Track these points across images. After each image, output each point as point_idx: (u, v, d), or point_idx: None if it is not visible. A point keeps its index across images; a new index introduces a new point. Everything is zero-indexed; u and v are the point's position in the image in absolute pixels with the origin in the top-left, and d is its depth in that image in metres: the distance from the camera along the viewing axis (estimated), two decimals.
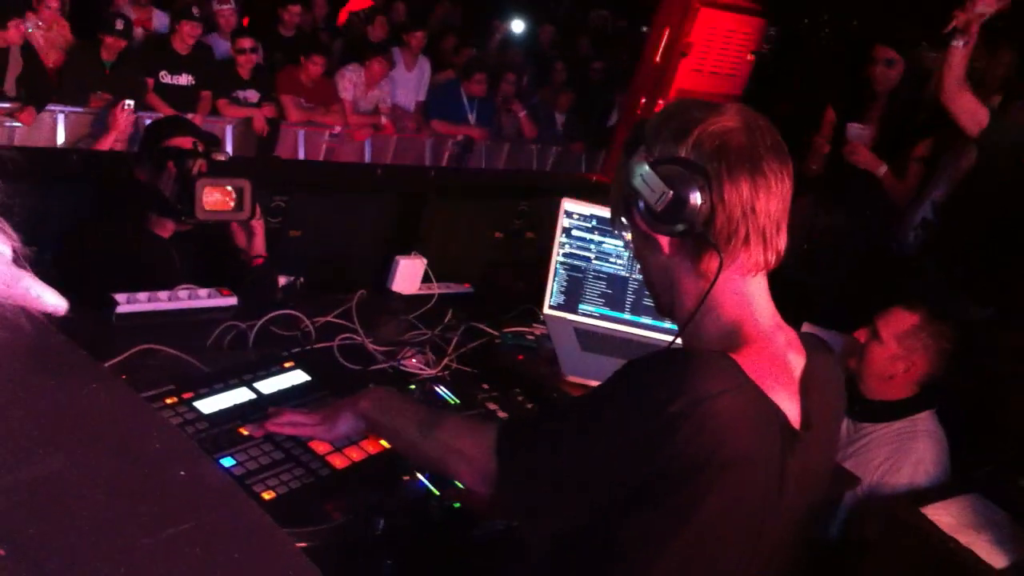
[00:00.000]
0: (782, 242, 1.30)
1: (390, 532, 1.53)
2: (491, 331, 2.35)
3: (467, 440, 1.40)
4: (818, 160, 4.44)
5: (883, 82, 4.21)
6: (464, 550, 1.70)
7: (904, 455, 2.57)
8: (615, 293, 2.52)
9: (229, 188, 2.27)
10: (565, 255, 2.50)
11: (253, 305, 2.19)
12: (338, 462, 1.63)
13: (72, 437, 0.76)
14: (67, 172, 2.49)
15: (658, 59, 4.57)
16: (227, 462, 1.55)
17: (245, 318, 2.10)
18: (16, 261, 0.82)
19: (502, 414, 2.00)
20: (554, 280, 2.49)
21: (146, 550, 0.65)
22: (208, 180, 2.24)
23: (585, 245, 2.51)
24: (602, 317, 2.51)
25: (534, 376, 2.19)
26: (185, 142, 2.38)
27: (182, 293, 2.18)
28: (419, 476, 1.67)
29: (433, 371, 2.12)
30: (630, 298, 2.52)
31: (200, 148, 2.35)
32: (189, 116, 5.17)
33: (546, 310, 2.48)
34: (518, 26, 9.38)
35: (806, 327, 2.62)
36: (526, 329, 2.42)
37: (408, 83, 7.52)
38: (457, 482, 1.52)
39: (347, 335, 2.15)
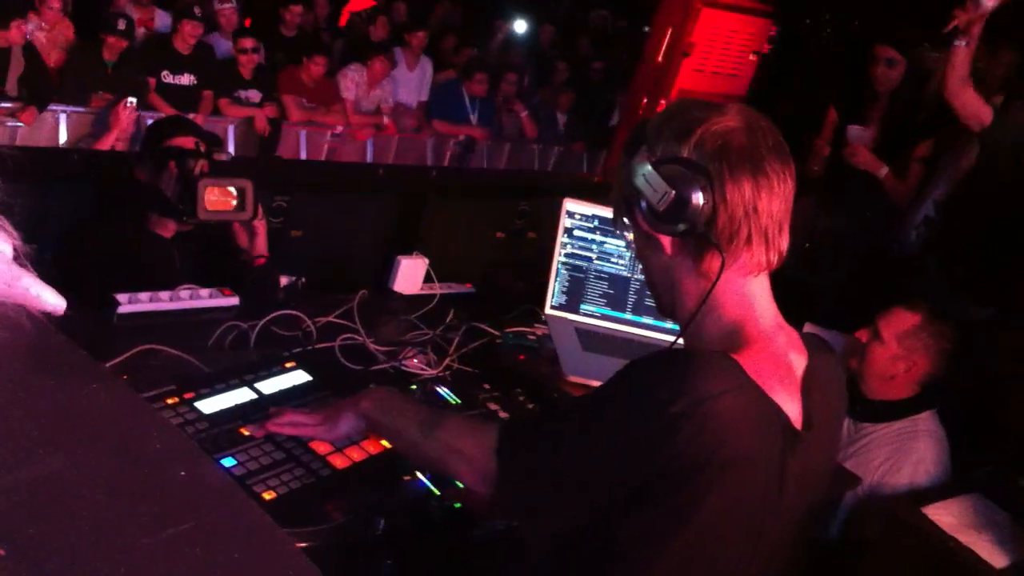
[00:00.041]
0: (784, 242, 1.30)
1: (390, 532, 1.53)
2: (492, 331, 2.35)
3: (468, 440, 1.40)
4: (819, 162, 4.44)
5: (884, 82, 4.21)
6: (464, 550, 1.70)
7: (905, 455, 2.56)
8: (617, 293, 2.52)
9: (231, 188, 2.27)
10: (567, 255, 2.50)
11: (254, 305, 2.19)
12: (339, 462, 1.63)
13: (72, 437, 0.76)
14: (68, 172, 2.49)
15: (660, 59, 4.57)
16: (228, 462, 1.55)
17: (246, 318, 2.10)
18: (16, 260, 0.82)
19: (503, 414, 2.00)
20: (556, 280, 2.49)
21: (146, 550, 0.65)
22: (210, 180, 2.24)
23: (587, 245, 2.51)
24: (603, 317, 2.51)
25: (535, 376, 2.19)
26: (187, 142, 2.38)
27: (183, 293, 2.18)
28: (419, 476, 1.67)
29: (434, 371, 2.12)
30: (632, 298, 2.52)
31: (202, 148, 2.35)
32: (191, 116, 5.17)
33: (548, 310, 2.48)
34: (520, 26, 9.38)
35: (808, 327, 2.62)
36: (527, 329, 2.42)
37: (410, 83, 7.53)
38: (458, 482, 1.52)
39: (348, 335, 2.15)
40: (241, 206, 2.30)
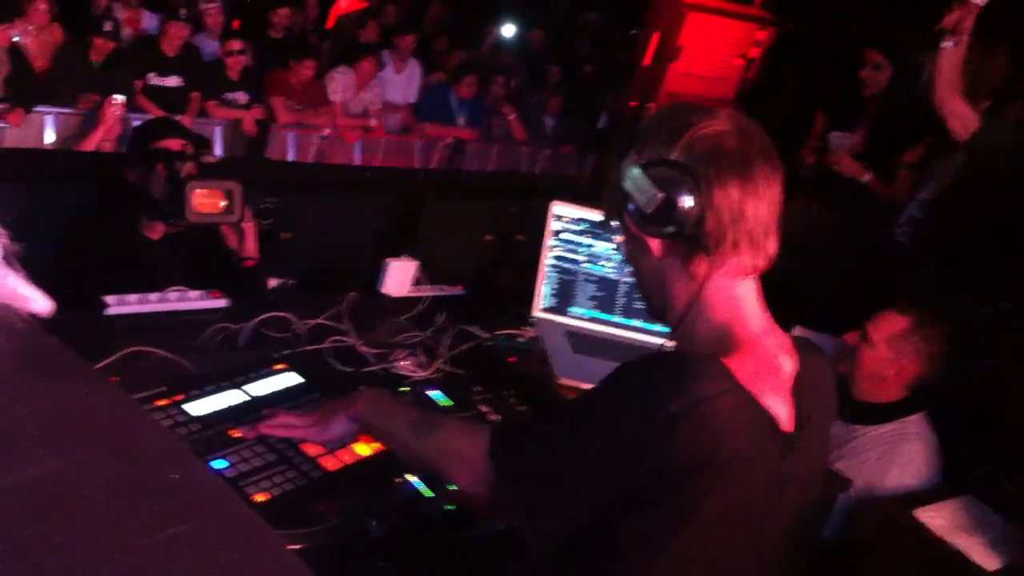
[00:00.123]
0: (772, 246, 1.30)
1: (383, 534, 1.53)
2: (483, 333, 2.34)
3: (461, 442, 1.40)
4: (806, 169, 4.47)
5: (871, 86, 4.23)
6: (458, 551, 1.70)
7: (894, 457, 2.57)
8: (606, 296, 2.52)
9: (219, 190, 2.26)
10: (555, 258, 2.50)
11: (244, 307, 2.19)
12: (330, 464, 1.63)
13: (69, 438, 0.75)
14: (55, 173, 2.48)
15: (647, 62, 4.59)
16: (219, 464, 1.54)
17: (236, 320, 2.10)
18: (5, 259, 0.82)
19: (494, 416, 2.00)
20: (544, 283, 2.49)
21: (138, 553, 0.65)
22: (198, 182, 2.23)
23: (575, 248, 2.51)
24: (593, 320, 2.51)
25: (526, 378, 2.19)
26: (174, 144, 2.38)
27: (172, 295, 2.17)
28: (411, 478, 1.67)
29: (425, 373, 2.11)
30: (620, 300, 2.52)
31: (190, 150, 2.35)
32: (178, 118, 5.15)
33: (537, 312, 2.48)
34: (509, 30, 9.39)
35: (797, 330, 2.63)
36: (517, 331, 2.42)
37: (397, 85, 7.52)
38: (450, 484, 1.51)
39: (338, 337, 2.14)
40: (229, 208, 2.29)
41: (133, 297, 2.09)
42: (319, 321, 2.20)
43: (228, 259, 2.44)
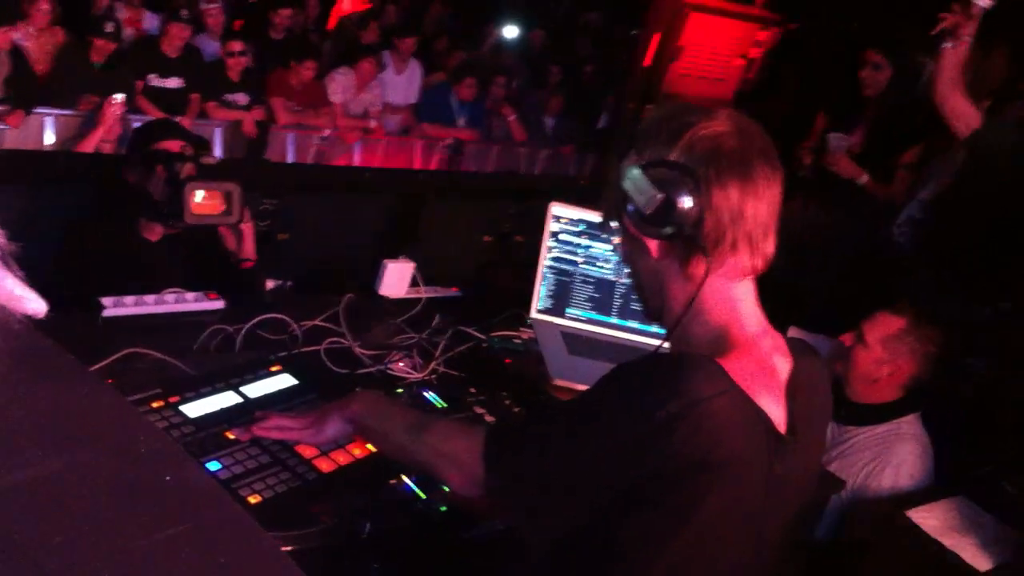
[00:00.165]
0: (770, 247, 1.30)
1: (377, 536, 1.53)
2: (478, 335, 2.35)
3: (456, 444, 1.40)
4: (804, 169, 4.47)
5: (871, 86, 4.23)
6: (453, 552, 1.70)
7: (887, 458, 2.57)
8: (602, 297, 2.52)
9: (218, 191, 2.27)
10: (553, 259, 2.50)
11: (241, 308, 2.19)
12: (324, 466, 1.63)
13: (68, 439, 0.76)
14: (54, 175, 2.48)
15: (648, 63, 4.59)
16: (213, 466, 1.55)
17: (232, 321, 2.10)
18: (2, 259, 0.82)
19: (490, 418, 2.00)
20: (542, 284, 2.49)
21: (138, 553, 0.65)
22: (197, 184, 2.24)
23: (572, 249, 2.51)
24: (589, 321, 2.51)
25: (522, 380, 2.19)
26: (174, 145, 2.38)
27: (169, 297, 2.18)
28: (405, 480, 1.67)
29: (421, 375, 2.12)
30: (617, 302, 2.52)
31: (189, 151, 2.35)
32: (178, 119, 5.15)
33: (533, 314, 2.48)
34: (511, 31, 9.39)
35: (792, 331, 2.63)
36: (513, 333, 2.42)
37: (398, 86, 7.52)
38: (445, 486, 1.52)
39: (334, 339, 2.15)
40: (228, 210, 2.29)
41: (129, 299, 2.10)
42: (315, 323, 2.21)
43: (226, 261, 2.45)
